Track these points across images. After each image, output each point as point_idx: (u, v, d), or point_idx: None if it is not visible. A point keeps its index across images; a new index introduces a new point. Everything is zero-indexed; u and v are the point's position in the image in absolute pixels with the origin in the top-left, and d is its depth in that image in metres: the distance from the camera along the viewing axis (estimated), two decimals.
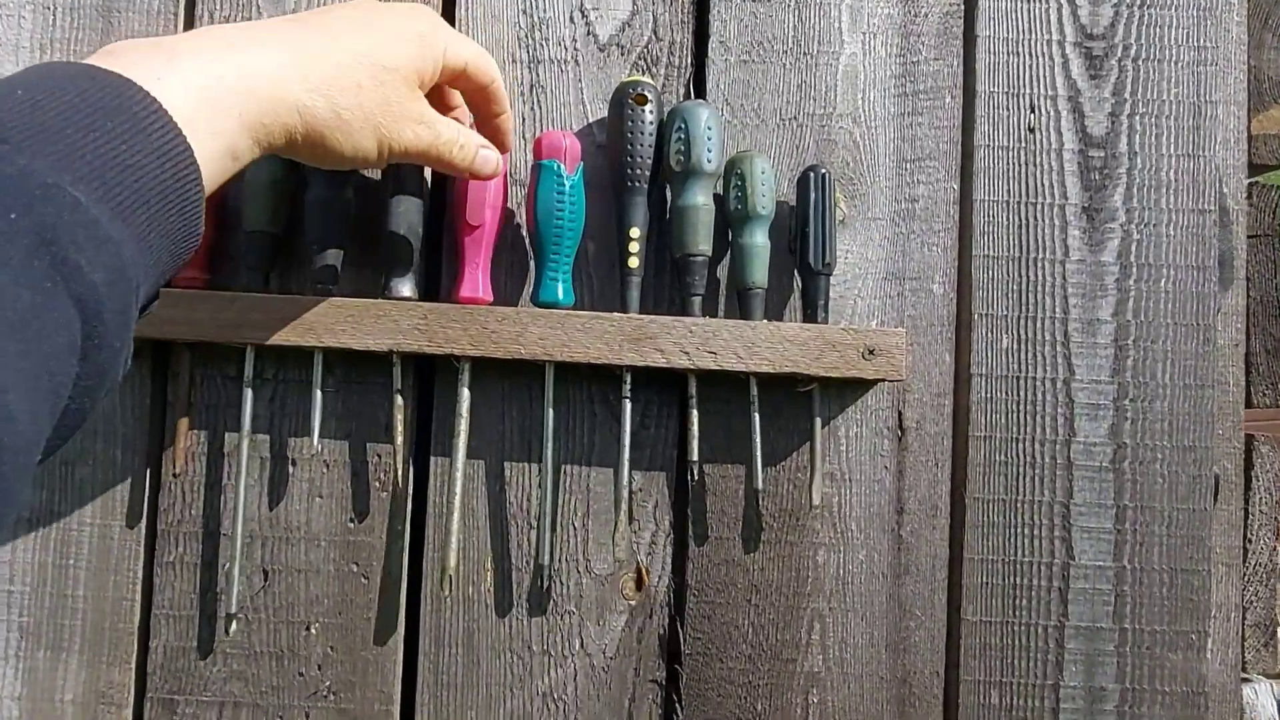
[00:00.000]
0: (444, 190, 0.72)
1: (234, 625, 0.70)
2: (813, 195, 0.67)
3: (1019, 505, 0.71)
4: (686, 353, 0.65)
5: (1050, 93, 0.72)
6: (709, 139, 0.66)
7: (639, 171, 0.67)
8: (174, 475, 0.71)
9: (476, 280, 0.67)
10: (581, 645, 0.71)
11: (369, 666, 0.71)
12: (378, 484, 0.71)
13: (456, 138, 0.57)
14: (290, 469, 0.72)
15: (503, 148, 0.64)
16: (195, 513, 0.71)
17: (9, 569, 0.72)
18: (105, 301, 0.36)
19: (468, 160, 0.59)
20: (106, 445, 0.72)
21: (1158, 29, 0.72)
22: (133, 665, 0.71)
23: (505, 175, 0.69)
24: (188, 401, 0.70)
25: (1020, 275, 0.71)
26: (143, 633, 0.72)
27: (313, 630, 0.71)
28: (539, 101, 0.73)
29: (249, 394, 0.69)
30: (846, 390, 0.71)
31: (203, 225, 0.43)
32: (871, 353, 0.65)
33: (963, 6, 0.73)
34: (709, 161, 0.67)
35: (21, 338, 0.32)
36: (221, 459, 0.72)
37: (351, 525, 0.71)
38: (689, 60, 0.73)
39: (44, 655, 0.72)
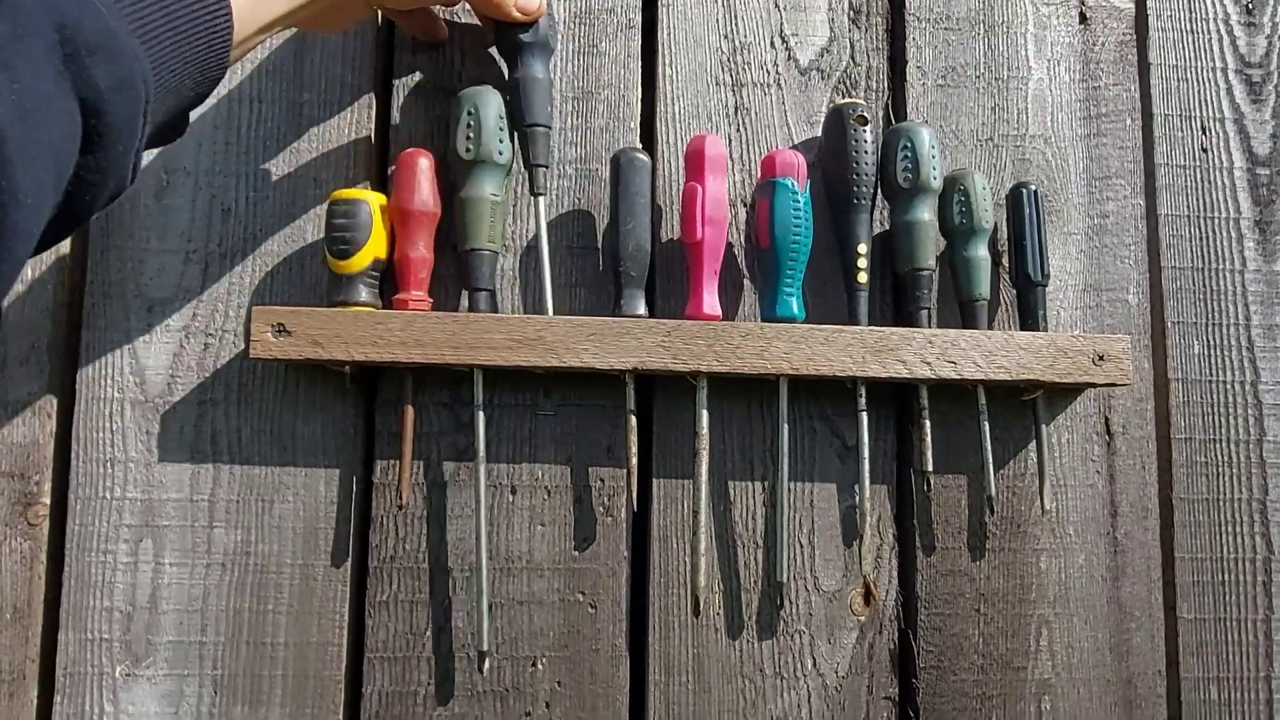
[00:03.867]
0: (660, 213, 0.72)
1: (487, 663, 0.66)
2: (1026, 210, 0.70)
3: (1220, 504, 0.74)
4: (928, 363, 0.66)
5: (1218, 115, 0.77)
6: (933, 157, 0.69)
7: (864, 189, 0.69)
8: (399, 507, 0.67)
9: (713, 297, 0.67)
10: (814, 665, 0.70)
11: (599, 700, 0.68)
12: (601, 509, 0.70)
13: None
14: (510, 497, 0.69)
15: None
16: (410, 547, 0.68)
17: (200, 618, 0.67)
18: (108, 105, 0.40)
19: None
20: (309, 479, 0.68)
21: None
22: (340, 715, 0.67)
23: (725, 192, 0.70)
24: (414, 430, 0.67)
25: (1205, 285, 0.75)
26: (350, 679, 0.67)
27: (539, 665, 0.68)
28: (744, 124, 0.74)
29: (480, 417, 0.66)
30: (1057, 398, 0.73)
31: (229, 60, 0.49)
32: (1101, 358, 0.67)
33: (1134, 34, 0.78)
34: (935, 179, 0.69)
35: (33, 123, 0.37)
36: (433, 489, 0.69)
37: (576, 554, 0.69)
38: (886, 84, 0.76)
39: (241, 711, 0.66)
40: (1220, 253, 0.76)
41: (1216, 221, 0.76)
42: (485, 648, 0.64)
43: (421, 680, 0.67)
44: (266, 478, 0.68)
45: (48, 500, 0.67)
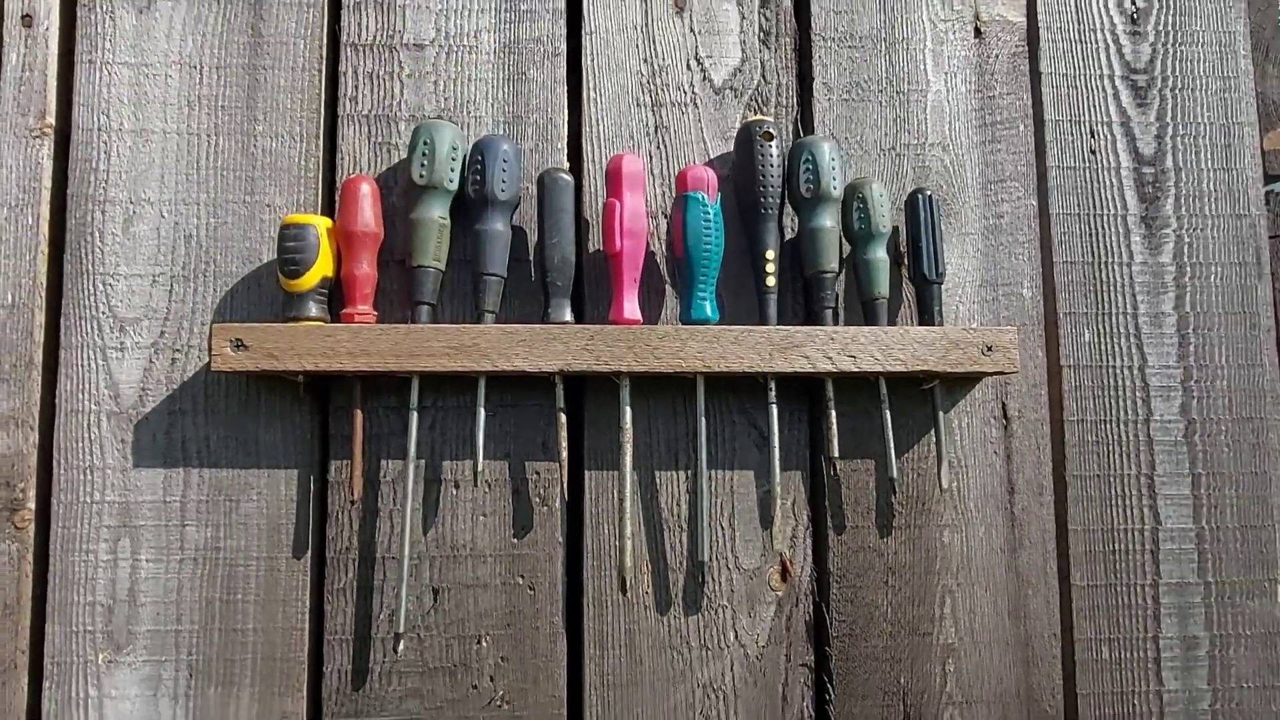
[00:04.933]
0: (588, 226, 0.78)
1: (402, 644, 0.73)
2: (922, 214, 0.76)
3: (1111, 480, 0.80)
4: (830, 358, 0.73)
5: (1106, 119, 0.83)
6: (834, 168, 0.75)
7: (771, 200, 0.75)
8: (352, 502, 0.74)
9: (633, 303, 0.74)
10: (736, 637, 0.76)
11: (539, 673, 0.75)
12: (537, 499, 0.76)
13: None
14: (454, 491, 0.76)
15: None
16: (364, 538, 0.75)
17: (175, 609, 0.74)
18: None
19: None
20: (271, 479, 0.75)
21: (1188, 63, 0.84)
22: (304, 693, 0.74)
23: (645, 205, 0.76)
24: (362, 431, 0.74)
25: (1094, 277, 0.81)
26: (313, 660, 0.74)
27: (484, 643, 0.75)
28: (664, 141, 0.80)
29: (414, 418, 0.73)
30: (956, 386, 0.79)
31: None
32: (990, 349, 0.74)
33: (1026, 46, 0.84)
34: (835, 188, 0.75)
35: None
36: (383, 486, 0.75)
37: (515, 541, 0.76)
38: (795, 100, 0.82)
39: (215, 692, 0.73)
40: (1109, 247, 0.82)
41: (1105, 218, 0.82)
42: (401, 630, 0.71)
43: (377, 659, 0.74)
44: (233, 479, 0.75)
45: (33, 506, 0.74)
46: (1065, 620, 0.79)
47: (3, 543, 0.74)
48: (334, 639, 0.74)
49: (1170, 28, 0.85)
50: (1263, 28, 0.88)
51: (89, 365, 0.75)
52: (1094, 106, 0.83)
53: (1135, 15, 0.85)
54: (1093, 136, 0.83)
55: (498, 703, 0.74)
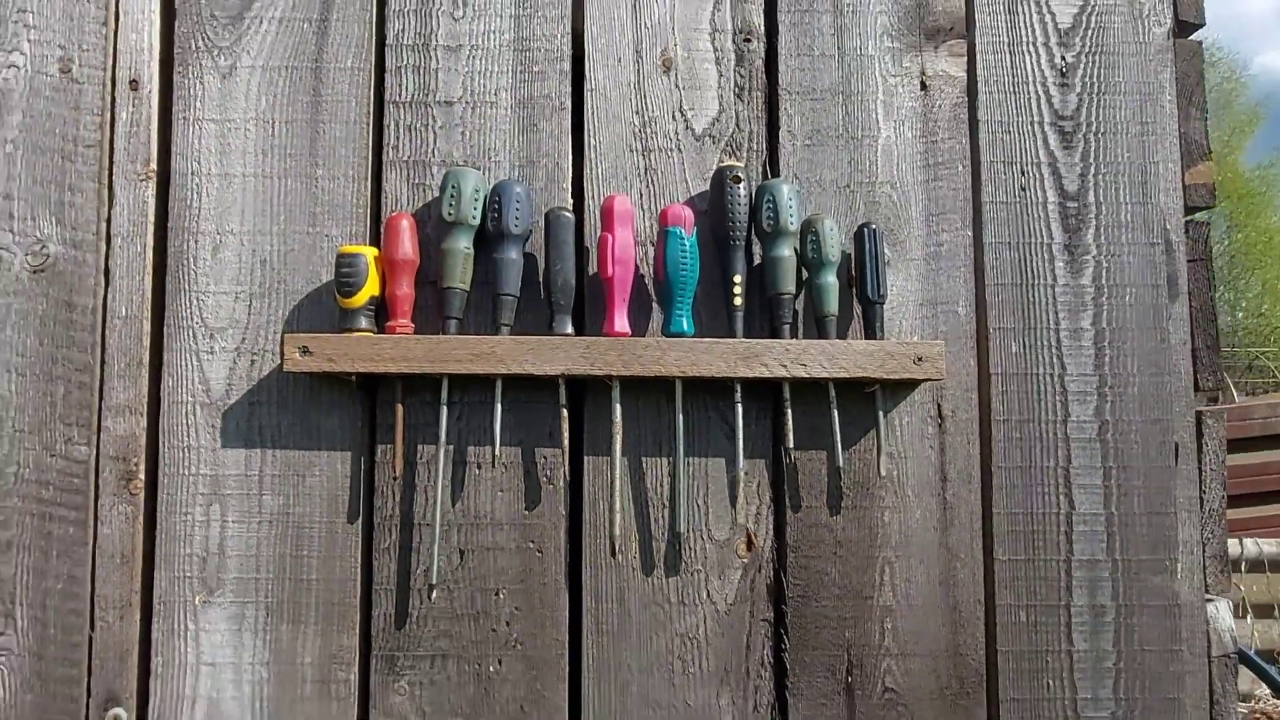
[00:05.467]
0: (588, 253, 0.94)
1: (435, 594, 0.90)
2: (868, 245, 0.91)
3: (1032, 470, 0.94)
4: (785, 366, 0.88)
5: (1035, 159, 0.96)
6: (791, 207, 0.89)
7: (738, 233, 0.90)
8: (395, 478, 0.91)
9: (622, 319, 0.89)
10: (708, 595, 0.92)
11: (546, 621, 0.91)
12: (545, 479, 0.93)
13: None
14: (477, 471, 0.93)
15: None
16: (404, 508, 0.92)
17: (255, 561, 0.92)
18: None
19: None
20: (330, 459, 0.93)
21: (1110, 110, 0.97)
22: (357, 631, 0.91)
23: (632, 237, 0.91)
24: (403, 422, 0.91)
25: (1022, 297, 0.95)
26: (363, 605, 0.92)
27: (501, 595, 0.92)
28: (652, 180, 0.95)
29: (444, 412, 0.90)
30: (900, 390, 0.93)
31: None
32: (920, 359, 0.88)
33: (966, 97, 0.97)
34: (792, 223, 0.90)
35: None
36: (419, 466, 0.93)
37: (526, 512, 0.92)
38: (764, 144, 0.96)
39: (286, 628, 0.91)
40: (1036, 271, 0.95)
41: (1033, 246, 0.96)
42: (434, 583, 0.88)
43: (415, 605, 0.91)
44: (299, 458, 0.93)
45: (143, 477, 0.93)
46: (989, 589, 0.93)
47: (121, 505, 0.92)
48: (380, 589, 0.92)
49: (1095, 79, 0.97)
50: (1188, 75, 1.00)
51: (187, 365, 0.94)
52: (1025, 149, 0.96)
53: (1064, 69, 0.97)
54: (1023, 175, 0.96)
55: (512, 644, 0.91)
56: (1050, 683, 0.92)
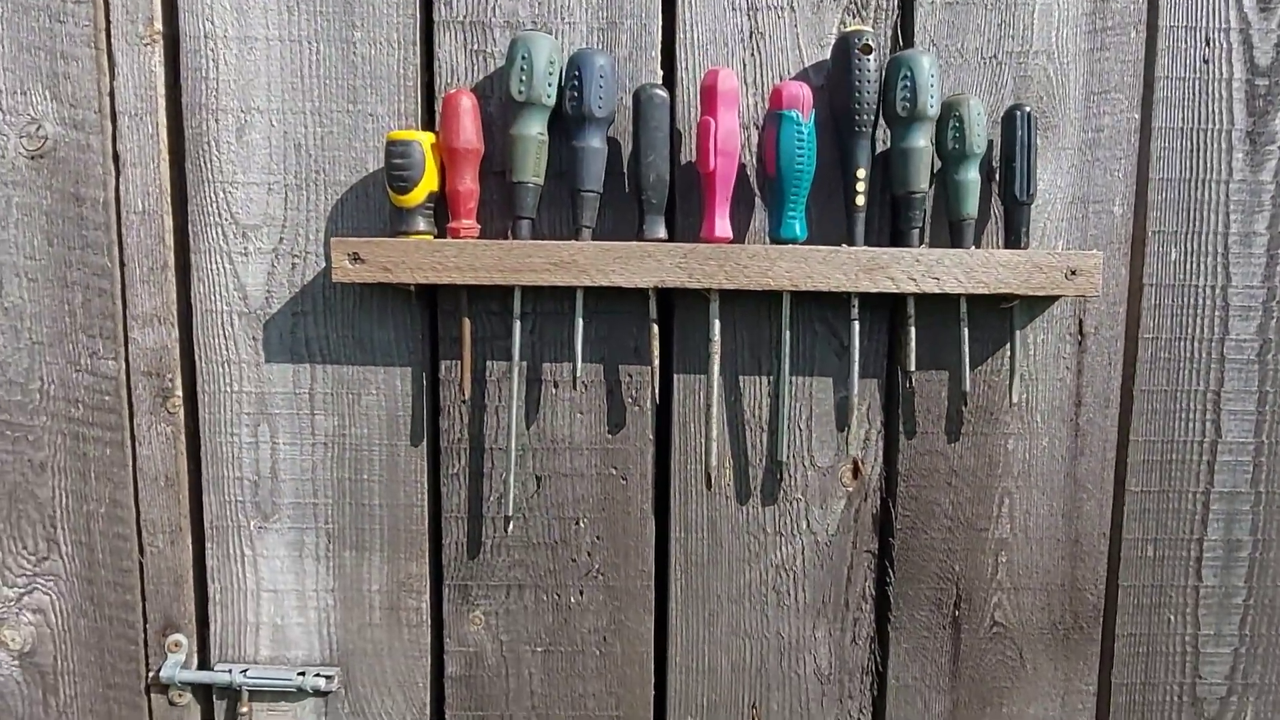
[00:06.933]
0: (680, 138, 0.79)
1: (511, 525, 0.83)
2: (1019, 133, 0.76)
3: (1178, 395, 0.83)
4: (914, 279, 0.75)
5: (1224, 25, 0.79)
6: (932, 85, 0.74)
7: (865, 117, 0.75)
8: (463, 400, 0.81)
9: (724, 221, 0.76)
10: (808, 525, 0.84)
11: (630, 551, 0.84)
12: (630, 399, 0.83)
13: None
14: (553, 390, 0.82)
15: None
16: (473, 431, 0.83)
17: (311, 485, 0.84)
18: None
19: None
20: (388, 376, 0.82)
21: None
22: (426, 559, 0.84)
23: (737, 122, 0.76)
24: (471, 336, 0.80)
25: (1190, 195, 0.81)
26: (433, 533, 0.85)
27: (581, 524, 0.84)
28: (758, 48, 0.79)
29: (517, 327, 0.78)
30: (1039, 304, 0.81)
31: None
32: (1074, 273, 0.75)
33: None
34: (932, 107, 0.74)
35: None
36: (489, 385, 0.82)
37: (609, 436, 0.83)
38: (895, 4, 0.79)
39: (350, 555, 0.84)
40: (1209, 164, 0.80)
41: (1210, 133, 0.80)
42: (510, 513, 0.80)
43: (488, 534, 0.84)
44: (353, 375, 0.83)
45: (180, 394, 0.83)
46: (1116, 521, 0.85)
47: (160, 424, 0.83)
48: (450, 516, 0.84)
49: None
50: None
51: (218, 269, 0.82)
52: (1214, 11, 0.79)
53: None
54: (1207, 44, 0.79)
55: (594, 574, 0.84)
56: (1171, 618, 0.85)
